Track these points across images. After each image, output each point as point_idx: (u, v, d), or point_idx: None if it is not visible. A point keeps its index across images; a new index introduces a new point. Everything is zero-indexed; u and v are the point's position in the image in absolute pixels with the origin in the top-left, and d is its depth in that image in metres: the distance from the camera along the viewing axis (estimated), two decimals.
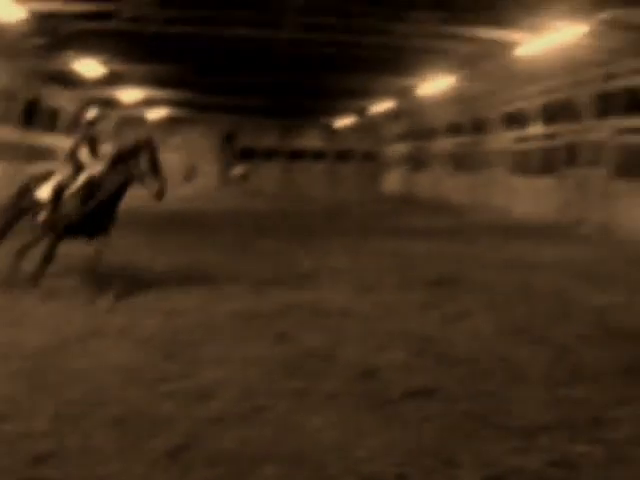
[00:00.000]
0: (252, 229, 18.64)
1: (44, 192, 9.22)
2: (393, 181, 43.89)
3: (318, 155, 47.39)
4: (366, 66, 25.44)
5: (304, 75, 27.11)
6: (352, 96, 33.29)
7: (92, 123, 9.83)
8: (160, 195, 9.00)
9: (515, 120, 27.22)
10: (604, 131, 19.42)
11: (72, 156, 9.50)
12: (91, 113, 9.96)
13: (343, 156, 47.35)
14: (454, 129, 34.32)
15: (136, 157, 9.01)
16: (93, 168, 9.18)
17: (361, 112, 39.68)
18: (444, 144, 34.80)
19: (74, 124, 27.35)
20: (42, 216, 9.20)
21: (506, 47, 18.90)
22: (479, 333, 7.47)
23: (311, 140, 47.63)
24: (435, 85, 25.39)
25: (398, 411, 5.15)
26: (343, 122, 44.22)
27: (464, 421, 4.96)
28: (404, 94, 30.80)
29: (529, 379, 5.93)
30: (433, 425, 4.87)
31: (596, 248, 15.51)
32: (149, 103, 36.62)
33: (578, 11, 14.85)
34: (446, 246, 15.28)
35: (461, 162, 32.05)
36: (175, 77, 27.88)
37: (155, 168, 8.96)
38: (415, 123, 40.24)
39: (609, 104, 21.18)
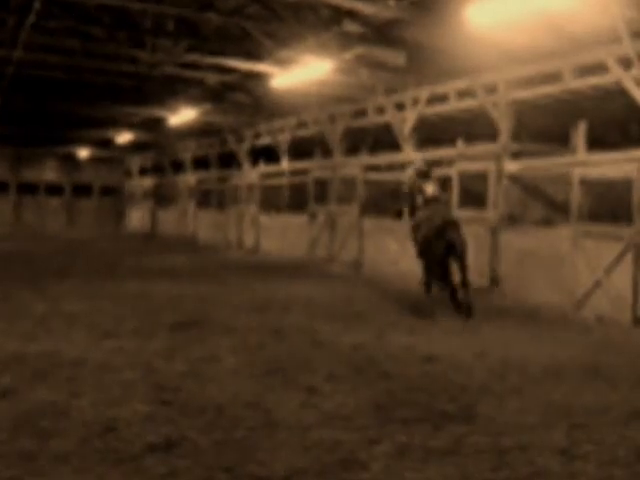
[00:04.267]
0: None
1: None
2: (138, 217, 43.12)
3: (54, 189, 44.87)
4: (109, 94, 24.99)
5: (40, 100, 26.04)
6: (93, 125, 32.48)
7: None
8: None
9: (263, 154, 27.97)
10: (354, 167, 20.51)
11: None
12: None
13: (83, 190, 45.51)
14: (200, 163, 34.59)
15: None
16: None
17: (104, 143, 38.80)
18: (190, 178, 34.91)
19: None
20: None
21: (256, 79, 19.45)
22: (226, 378, 7.51)
23: (47, 172, 45.12)
24: (183, 116, 25.47)
25: (141, 466, 5.03)
26: (84, 153, 42.85)
27: (212, 473, 4.95)
28: (150, 125, 30.59)
29: (279, 424, 6.05)
30: None
31: (346, 286, 16.23)
32: None
33: (326, 47, 15.70)
34: (193, 287, 15.26)
35: (208, 198, 32.26)
36: None
37: None
38: (162, 156, 40.08)
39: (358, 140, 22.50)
